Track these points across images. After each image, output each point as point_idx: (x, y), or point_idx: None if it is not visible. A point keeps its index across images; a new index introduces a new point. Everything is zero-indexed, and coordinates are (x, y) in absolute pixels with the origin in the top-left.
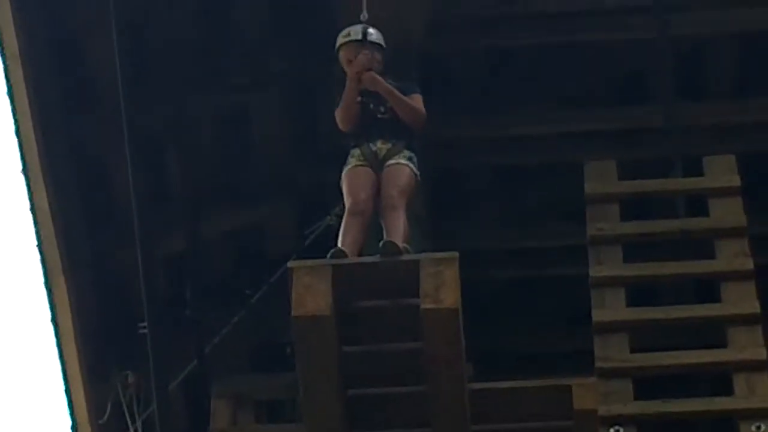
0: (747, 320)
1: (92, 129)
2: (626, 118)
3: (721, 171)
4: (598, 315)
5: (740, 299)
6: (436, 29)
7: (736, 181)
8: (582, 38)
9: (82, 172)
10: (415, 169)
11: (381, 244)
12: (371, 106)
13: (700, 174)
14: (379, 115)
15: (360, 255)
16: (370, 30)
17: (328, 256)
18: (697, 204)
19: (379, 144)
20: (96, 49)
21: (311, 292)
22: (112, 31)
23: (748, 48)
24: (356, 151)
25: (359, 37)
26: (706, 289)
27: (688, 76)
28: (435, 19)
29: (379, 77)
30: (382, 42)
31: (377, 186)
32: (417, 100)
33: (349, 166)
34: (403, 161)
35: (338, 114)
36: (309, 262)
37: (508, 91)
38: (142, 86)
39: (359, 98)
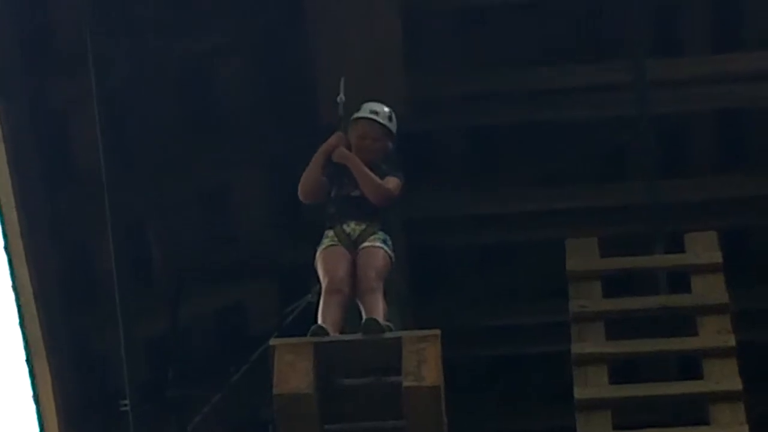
0: (729, 397)
1: (74, 209)
2: (608, 194)
3: (703, 247)
4: (580, 392)
5: (723, 376)
6: (419, 107)
7: (717, 257)
8: (564, 115)
9: (64, 252)
10: (389, 251)
11: (363, 321)
12: (345, 184)
13: (682, 250)
14: (352, 194)
15: (340, 333)
16: (386, 112)
17: (309, 333)
18: (680, 280)
19: (352, 225)
20: (78, 129)
21: (293, 370)
22: (94, 110)
23: (728, 124)
24: (330, 232)
25: (375, 117)
26: (689, 365)
27: (670, 152)
28: (417, 97)
29: (349, 153)
30: (394, 130)
31: (353, 266)
32: (390, 181)
33: (323, 246)
34: (377, 243)
35: (300, 184)
36: (291, 340)
37: (490, 169)
38: (125, 166)
39: (323, 177)
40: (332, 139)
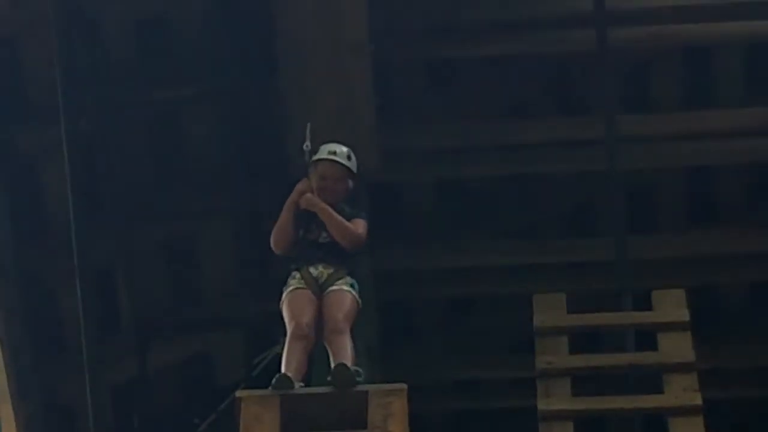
0: None
1: (43, 256)
2: (576, 250)
3: (671, 305)
4: None
5: None
6: (389, 159)
7: (685, 315)
8: (534, 169)
9: (32, 298)
10: (357, 297)
11: (332, 367)
12: (312, 229)
13: (650, 308)
14: (321, 240)
15: (304, 379)
16: (345, 151)
17: (273, 381)
18: (647, 337)
19: (320, 268)
20: (48, 177)
21: (259, 422)
22: (64, 159)
23: (698, 181)
24: (297, 274)
25: (334, 157)
26: (655, 423)
27: (638, 208)
28: (387, 149)
29: (316, 199)
30: (354, 168)
31: (318, 310)
32: (357, 224)
33: (290, 288)
34: (345, 287)
35: (273, 235)
36: (257, 392)
37: (457, 223)
38: (94, 214)
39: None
40: (300, 186)
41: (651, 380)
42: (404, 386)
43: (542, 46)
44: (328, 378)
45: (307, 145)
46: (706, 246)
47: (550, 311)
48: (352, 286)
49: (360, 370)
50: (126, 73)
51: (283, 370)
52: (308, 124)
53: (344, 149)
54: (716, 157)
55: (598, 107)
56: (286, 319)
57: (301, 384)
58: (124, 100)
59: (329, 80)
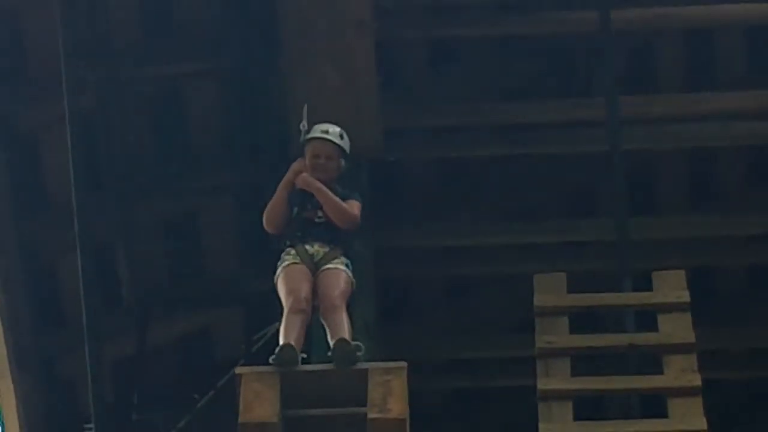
0: None
1: (44, 231)
2: (577, 230)
3: (671, 287)
4: (545, 428)
5: (687, 415)
6: (391, 138)
7: (685, 297)
8: (535, 150)
9: (33, 273)
10: (351, 276)
11: (332, 343)
12: (308, 209)
13: (650, 288)
14: (316, 219)
15: (302, 352)
16: (337, 131)
17: (276, 351)
18: (647, 318)
19: (316, 246)
20: (49, 153)
21: (259, 399)
22: (65, 134)
23: (700, 163)
24: (292, 250)
25: (326, 136)
26: (654, 404)
27: (640, 190)
28: (390, 128)
29: (312, 179)
30: (347, 148)
31: (313, 286)
32: (352, 205)
33: (285, 264)
34: (340, 266)
35: (266, 213)
36: (257, 369)
37: (458, 202)
38: (95, 189)
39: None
40: (295, 166)
41: (650, 361)
42: (404, 364)
43: (545, 26)
44: (329, 353)
45: (303, 124)
46: (706, 227)
47: (550, 291)
48: (347, 265)
49: (360, 344)
50: (129, 48)
51: (282, 341)
52: (305, 105)
53: (337, 129)
54: (718, 139)
55: (599, 88)
56: (283, 294)
57: (303, 355)
58: (126, 76)
59: (332, 58)
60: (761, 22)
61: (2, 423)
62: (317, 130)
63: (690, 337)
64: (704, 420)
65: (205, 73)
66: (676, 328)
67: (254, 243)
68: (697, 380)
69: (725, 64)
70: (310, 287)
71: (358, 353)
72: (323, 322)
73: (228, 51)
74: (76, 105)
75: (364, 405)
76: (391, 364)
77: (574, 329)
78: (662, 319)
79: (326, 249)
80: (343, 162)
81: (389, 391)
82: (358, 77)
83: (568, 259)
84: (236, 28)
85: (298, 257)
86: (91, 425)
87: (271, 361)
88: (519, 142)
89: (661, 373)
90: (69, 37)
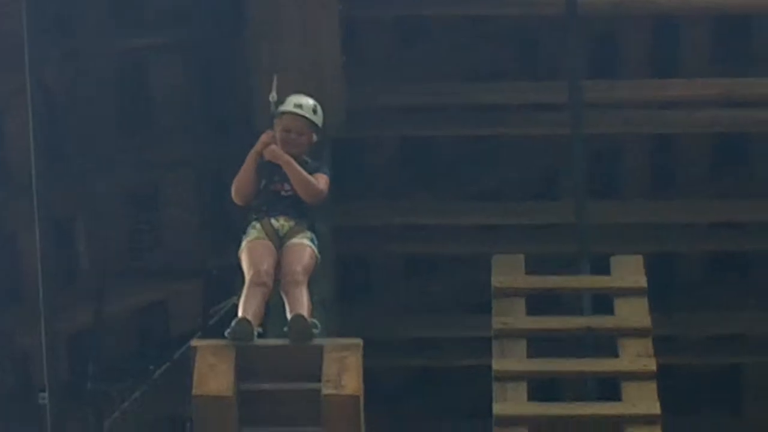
0: (647, 421)
1: (2, 202)
2: (537, 213)
3: (629, 271)
4: (499, 408)
5: (641, 399)
6: (355, 115)
7: (642, 282)
8: (498, 131)
9: None
10: (316, 251)
11: (290, 318)
12: (275, 181)
13: (608, 272)
14: (283, 193)
15: (261, 325)
16: (311, 104)
17: (233, 324)
18: (604, 302)
19: (281, 221)
20: (10, 124)
21: (214, 372)
22: (27, 106)
23: (661, 149)
24: (257, 224)
25: (299, 111)
26: (608, 387)
27: (601, 174)
28: (354, 106)
29: (281, 151)
30: (319, 122)
31: (277, 261)
32: (319, 179)
33: (250, 238)
34: (305, 241)
35: (234, 184)
36: (213, 342)
37: (420, 182)
38: (55, 162)
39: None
40: (264, 137)
41: (606, 344)
42: (360, 341)
43: (512, 8)
44: (285, 329)
45: (273, 96)
46: (666, 214)
47: (508, 272)
48: (312, 240)
49: (317, 322)
50: (92, 20)
51: (240, 314)
52: (275, 76)
53: (311, 102)
54: (681, 126)
55: (564, 72)
56: (245, 267)
57: (259, 329)
58: (90, 48)
59: (297, 34)
60: (727, 11)
61: None
62: (290, 103)
63: (646, 321)
64: (658, 404)
65: (170, 46)
66: (633, 313)
67: (215, 217)
68: (652, 365)
69: (690, 52)
70: (274, 262)
71: (315, 330)
72: (283, 296)
73: (193, 23)
74: (38, 76)
75: (319, 381)
76: (347, 341)
77: (531, 311)
78: (619, 303)
79: (291, 223)
80: (315, 136)
81: (344, 368)
82: (324, 53)
83: (528, 240)
84: (202, 1)
85: (263, 231)
86: (45, 396)
87: (226, 334)
88: (482, 124)
89: (617, 356)
90: (32, 9)
